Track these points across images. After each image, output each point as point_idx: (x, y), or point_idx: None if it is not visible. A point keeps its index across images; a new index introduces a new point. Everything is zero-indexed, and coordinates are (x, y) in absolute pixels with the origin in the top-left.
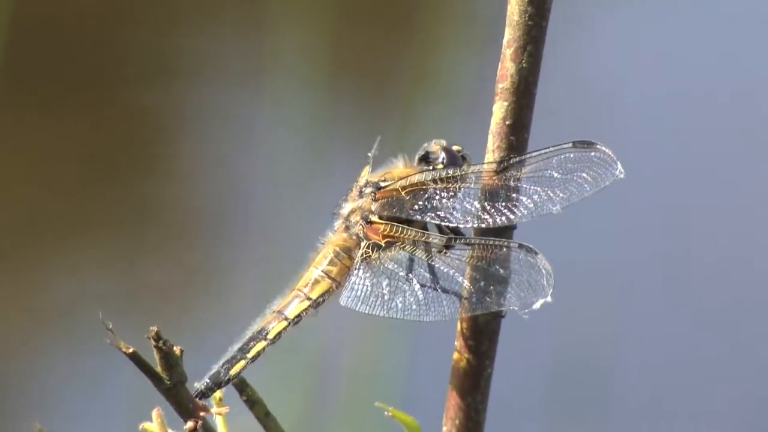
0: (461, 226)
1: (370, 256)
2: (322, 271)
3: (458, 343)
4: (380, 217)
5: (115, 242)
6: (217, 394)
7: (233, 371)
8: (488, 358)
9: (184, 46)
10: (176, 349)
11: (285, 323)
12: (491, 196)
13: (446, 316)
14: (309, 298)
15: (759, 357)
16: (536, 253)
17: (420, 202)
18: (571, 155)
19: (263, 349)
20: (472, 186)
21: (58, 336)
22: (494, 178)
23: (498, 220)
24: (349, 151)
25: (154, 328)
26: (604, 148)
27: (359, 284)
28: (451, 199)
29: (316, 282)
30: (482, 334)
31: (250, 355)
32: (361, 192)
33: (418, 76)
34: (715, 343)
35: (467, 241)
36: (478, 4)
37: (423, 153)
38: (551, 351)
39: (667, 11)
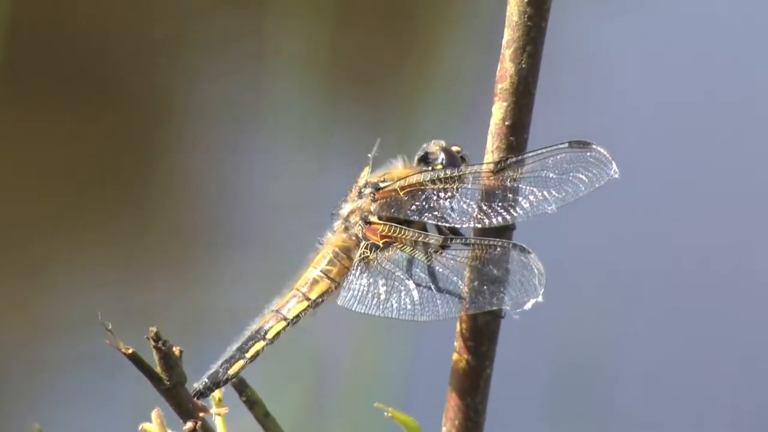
0: (458, 226)
1: (369, 256)
2: (321, 271)
3: (458, 343)
4: (379, 218)
5: (114, 243)
6: (217, 394)
7: (232, 371)
8: (488, 359)
9: (184, 48)
10: (175, 350)
11: (284, 323)
12: (488, 196)
13: (440, 316)
14: (308, 298)
15: (758, 359)
16: (529, 253)
17: (418, 203)
18: (567, 155)
19: (262, 348)
20: (469, 186)
21: (57, 336)
22: (491, 178)
23: (494, 220)
24: (349, 152)
25: (154, 329)
26: (599, 148)
27: (356, 284)
28: (449, 200)
29: (315, 282)
30: (482, 334)
31: (248, 355)
32: (360, 193)
33: (418, 77)
34: (714, 345)
35: (464, 241)
36: (477, 4)
37: (422, 154)
38: (551, 352)
39: (667, 12)
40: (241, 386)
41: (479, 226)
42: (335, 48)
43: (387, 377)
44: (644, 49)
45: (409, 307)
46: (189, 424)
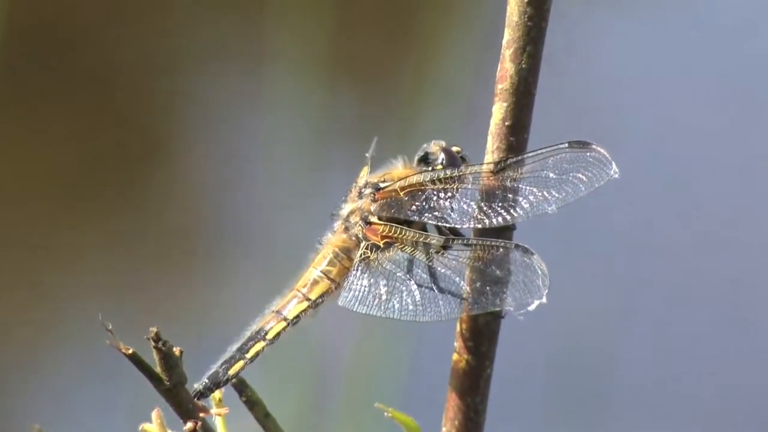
0: (458, 226)
1: (369, 256)
2: (322, 271)
3: (458, 343)
4: (379, 218)
5: (114, 243)
6: (217, 394)
7: (232, 371)
8: (488, 359)
9: (184, 49)
10: (176, 350)
11: (284, 323)
12: (488, 196)
13: (442, 317)
14: (308, 299)
15: (758, 355)
16: (532, 254)
17: (418, 203)
18: (567, 155)
19: (262, 349)
20: (469, 187)
21: (57, 337)
22: (491, 178)
23: (494, 220)
24: (349, 153)
25: (154, 329)
26: (599, 148)
27: (357, 285)
28: (449, 200)
29: (315, 282)
30: (482, 335)
31: (248, 355)
32: (360, 193)
33: (418, 77)
34: (714, 341)
35: (464, 241)
36: (477, 5)
37: (422, 154)
38: (551, 352)
39: (667, 13)
40: (241, 386)
41: (479, 226)
42: (335, 48)
43: (387, 377)
44: (644, 50)
45: (411, 307)
46: (189, 425)
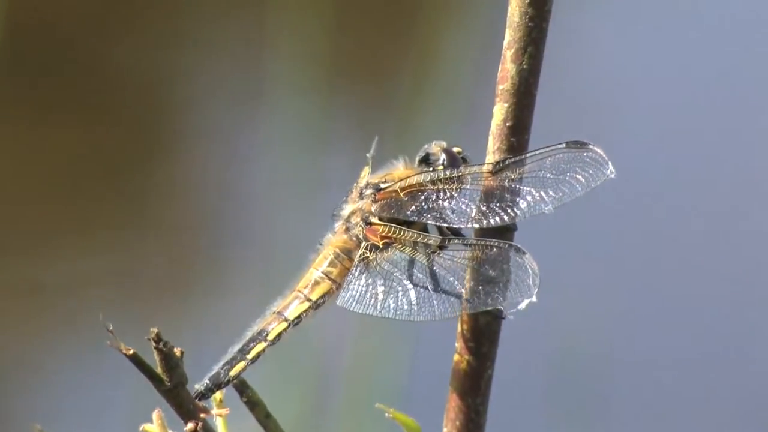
0: (458, 226)
1: (368, 257)
2: (323, 272)
3: (459, 344)
4: (380, 219)
5: (114, 244)
6: (218, 395)
7: (233, 372)
8: (489, 360)
9: (184, 49)
10: (177, 351)
11: (285, 324)
12: (487, 197)
13: (437, 316)
14: (309, 300)
15: (758, 355)
16: (524, 253)
17: (418, 204)
18: (564, 155)
19: (263, 350)
20: (468, 187)
21: (57, 337)
22: (490, 179)
23: (492, 220)
24: (349, 153)
25: (155, 330)
26: (595, 148)
27: (355, 285)
28: (448, 201)
29: (316, 283)
30: (483, 335)
31: (249, 356)
32: (361, 193)
33: (419, 78)
34: (714, 345)
35: (463, 241)
36: (478, 5)
37: (423, 155)
38: (552, 353)
39: (667, 13)
40: (242, 387)
41: (477, 226)
42: (335, 48)
43: (388, 378)
44: (644, 50)
45: (406, 307)
46: (190, 425)
